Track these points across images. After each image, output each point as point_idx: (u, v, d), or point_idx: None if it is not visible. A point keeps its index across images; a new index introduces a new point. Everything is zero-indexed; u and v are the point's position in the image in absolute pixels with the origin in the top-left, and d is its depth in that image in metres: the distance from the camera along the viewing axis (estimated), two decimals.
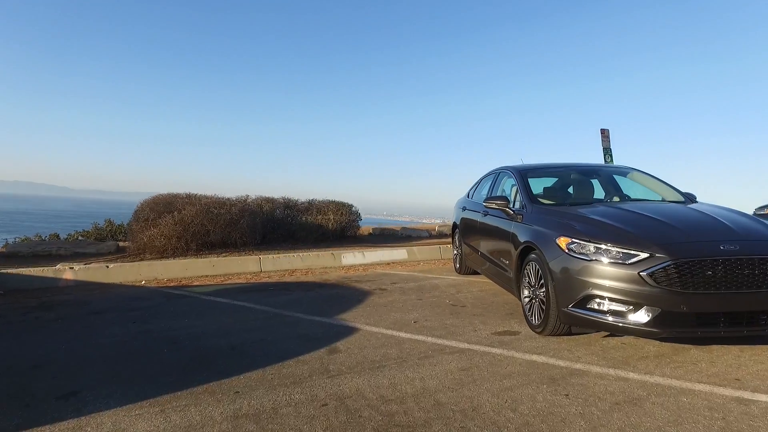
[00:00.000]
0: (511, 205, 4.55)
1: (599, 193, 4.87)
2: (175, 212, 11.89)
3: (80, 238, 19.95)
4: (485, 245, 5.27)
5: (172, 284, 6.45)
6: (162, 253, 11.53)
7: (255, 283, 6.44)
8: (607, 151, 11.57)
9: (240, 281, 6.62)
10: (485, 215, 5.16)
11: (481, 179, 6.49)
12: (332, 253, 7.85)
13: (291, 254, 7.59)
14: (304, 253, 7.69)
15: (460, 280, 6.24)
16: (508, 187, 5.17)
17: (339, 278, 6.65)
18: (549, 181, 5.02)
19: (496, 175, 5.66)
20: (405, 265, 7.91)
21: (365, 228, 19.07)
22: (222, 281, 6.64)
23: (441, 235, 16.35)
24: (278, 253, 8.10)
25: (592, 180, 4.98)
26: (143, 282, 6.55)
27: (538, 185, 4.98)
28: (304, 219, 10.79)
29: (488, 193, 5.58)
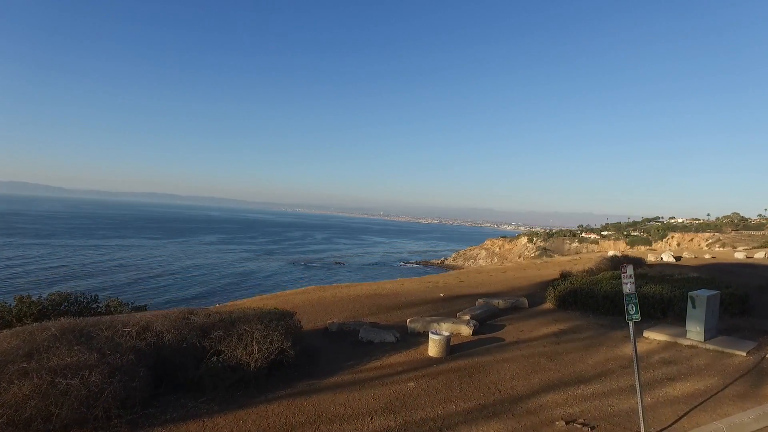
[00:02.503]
0: None
1: None
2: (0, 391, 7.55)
3: None
4: None
5: None
6: None
7: None
8: (630, 298, 7.93)
9: None
10: None
11: None
12: None
13: None
14: None
15: None
16: None
17: None
18: None
19: None
20: None
21: (325, 317, 12.60)
22: None
23: (413, 337, 10.76)
24: None
25: None
26: None
27: None
28: (215, 359, 7.82)
29: None
